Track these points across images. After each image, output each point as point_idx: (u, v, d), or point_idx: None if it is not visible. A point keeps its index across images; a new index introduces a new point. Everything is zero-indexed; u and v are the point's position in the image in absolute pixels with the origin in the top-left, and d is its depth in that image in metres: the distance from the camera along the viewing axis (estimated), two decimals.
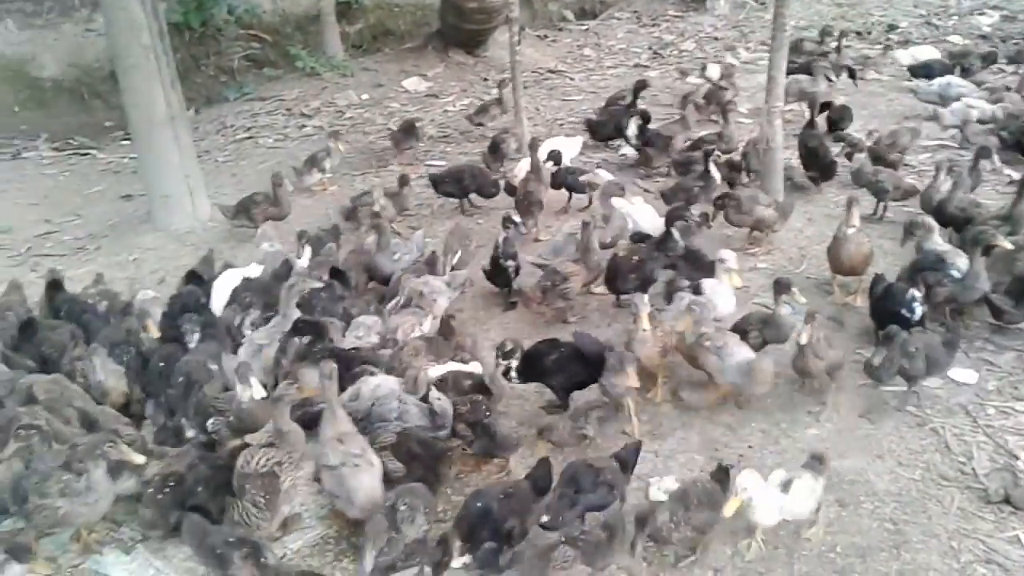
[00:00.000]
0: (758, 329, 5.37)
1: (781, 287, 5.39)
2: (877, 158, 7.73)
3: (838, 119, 8.97)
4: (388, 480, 4.41)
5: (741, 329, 5.37)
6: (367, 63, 13.50)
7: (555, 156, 7.90)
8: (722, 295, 5.65)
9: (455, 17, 12.93)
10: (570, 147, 8.75)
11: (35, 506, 4.15)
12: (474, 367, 5.28)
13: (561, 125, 10.61)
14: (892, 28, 13.69)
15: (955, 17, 14.16)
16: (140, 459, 4.30)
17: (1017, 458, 4.61)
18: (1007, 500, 4.34)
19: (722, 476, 4.22)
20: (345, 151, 9.42)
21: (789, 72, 8.05)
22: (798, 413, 5.10)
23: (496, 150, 9.05)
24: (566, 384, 5.16)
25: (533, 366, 5.17)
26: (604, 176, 7.98)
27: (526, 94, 11.18)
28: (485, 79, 12.63)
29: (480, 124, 10.16)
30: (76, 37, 13.68)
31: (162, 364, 5.15)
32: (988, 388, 5.19)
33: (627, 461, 4.41)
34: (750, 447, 4.88)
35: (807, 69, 10.05)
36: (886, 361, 4.88)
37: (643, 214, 7.11)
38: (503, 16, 10.98)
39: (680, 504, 4.04)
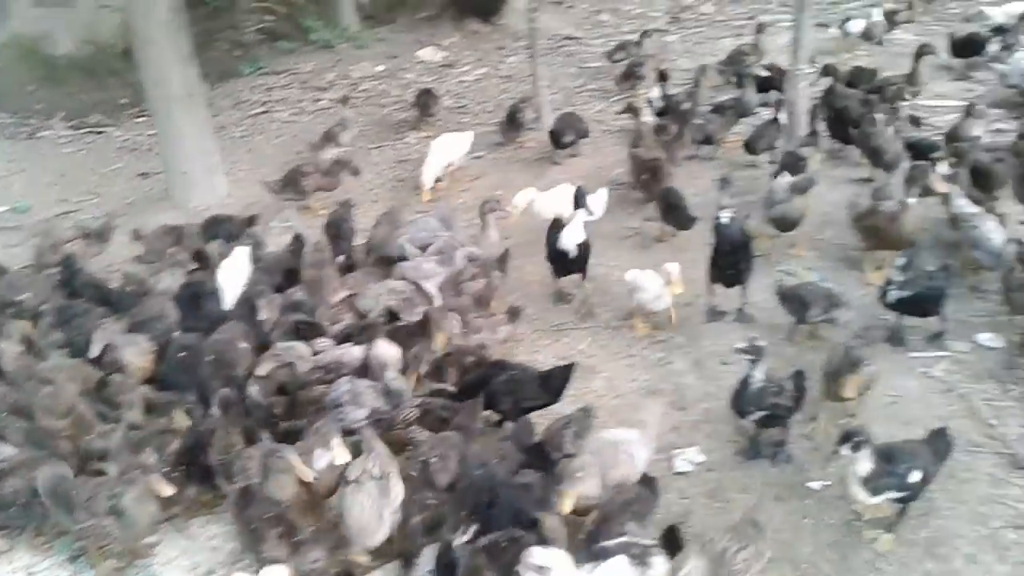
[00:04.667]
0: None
1: None
2: None
3: (855, 80, 8.78)
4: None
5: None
6: (381, 33, 13.41)
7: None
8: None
9: None
10: (459, 145, 8.27)
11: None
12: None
13: (579, 92, 10.48)
14: None
15: None
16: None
17: None
18: None
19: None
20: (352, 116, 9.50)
21: None
22: None
23: (513, 120, 8.98)
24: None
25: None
26: None
27: (543, 62, 11.05)
28: (500, 48, 12.49)
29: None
30: (90, 13, 13.61)
31: (183, 353, 5.15)
32: (1017, 354, 5.09)
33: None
34: None
35: None
36: None
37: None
38: None
39: None
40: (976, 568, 3.84)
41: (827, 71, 8.22)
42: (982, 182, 6.21)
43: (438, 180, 8.10)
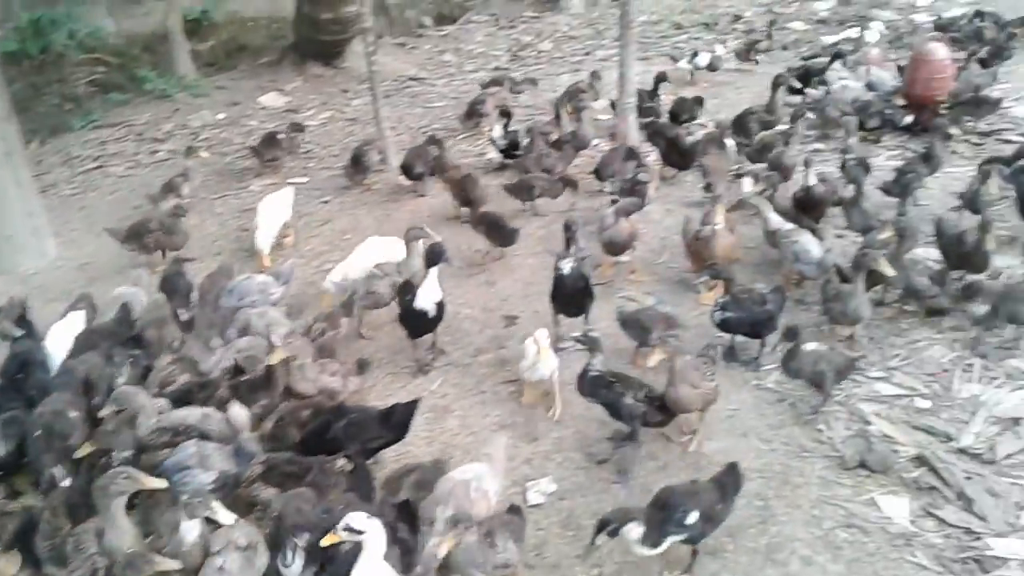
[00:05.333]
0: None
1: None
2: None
3: (679, 110, 9.25)
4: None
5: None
6: (221, 81, 13.12)
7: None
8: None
9: (310, 29, 12.73)
10: (282, 202, 7.81)
11: None
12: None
13: (425, 132, 10.53)
14: (737, 19, 14.25)
15: (795, 4, 14.86)
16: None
17: (869, 423, 4.85)
18: (862, 464, 4.56)
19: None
20: (207, 157, 9.36)
21: None
22: None
23: (358, 163, 8.93)
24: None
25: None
26: None
27: (388, 103, 11.08)
28: (345, 91, 12.45)
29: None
30: None
31: None
32: None
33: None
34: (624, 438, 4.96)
35: None
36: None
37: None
38: (359, 26, 10.82)
39: None
40: (812, 570, 4.03)
41: (648, 110, 8.72)
42: (805, 206, 6.63)
43: (281, 238, 7.80)
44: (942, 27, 11.22)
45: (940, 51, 8.63)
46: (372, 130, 9.71)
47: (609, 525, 3.79)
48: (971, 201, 6.41)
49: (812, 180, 6.58)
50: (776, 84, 8.71)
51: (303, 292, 6.86)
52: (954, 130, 7.60)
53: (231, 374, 5.32)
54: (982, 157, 7.42)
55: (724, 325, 5.43)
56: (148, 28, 14.13)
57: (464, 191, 7.70)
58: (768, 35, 11.86)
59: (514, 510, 4.17)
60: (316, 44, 12.89)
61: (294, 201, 7.94)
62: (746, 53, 11.44)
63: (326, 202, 8.77)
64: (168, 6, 12.87)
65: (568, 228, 5.76)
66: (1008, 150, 7.56)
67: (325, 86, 12.67)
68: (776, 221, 6.24)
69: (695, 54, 11.21)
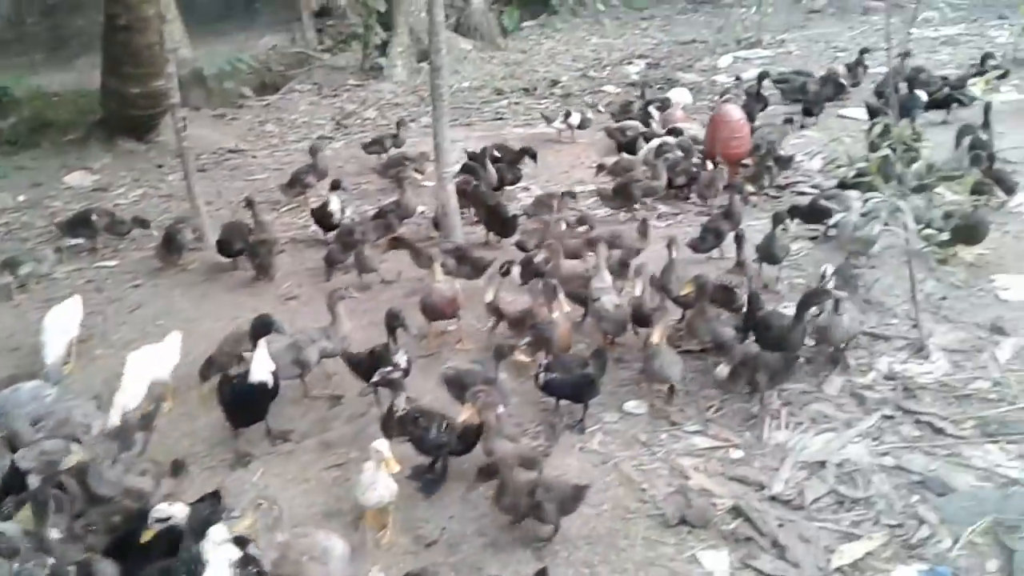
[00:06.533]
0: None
1: (502, 352, 5.42)
2: None
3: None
4: None
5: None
6: (22, 160, 12.27)
7: None
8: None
9: (118, 104, 12.16)
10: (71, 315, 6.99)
11: None
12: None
13: (245, 208, 10.23)
14: (555, 83, 14.79)
15: (608, 68, 15.61)
16: None
17: (688, 478, 4.97)
18: (683, 521, 4.64)
19: None
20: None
21: None
22: None
23: (172, 242, 8.52)
24: None
25: None
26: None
27: (206, 177, 10.83)
28: (160, 166, 11.95)
29: None
30: None
31: None
32: (656, 417, 5.57)
33: None
34: (451, 517, 4.87)
35: None
36: None
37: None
38: (169, 101, 10.43)
39: None
40: None
41: (469, 168, 8.89)
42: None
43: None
44: (778, 81, 12.05)
45: (736, 112, 9.24)
46: (188, 206, 9.33)
47: None
48: (766, 250, 6.82)
49: (639, 289, 6.23)
50: (660, 151, 9.16)
51: (111, 387, 6.38)
52: (749, 187, 8.10)
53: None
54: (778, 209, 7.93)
55: (548, 387, 5.47)
56: None
57: (257, 256, 7.97)
58: (641, 95, 12.31)
59: None
60: (126, 119, 12.31)
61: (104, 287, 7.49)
62: (621, 114, 11.83)
63: (137, 286, 8.31)
64: None
65: (393, 322, 5.68)
66: (804, 201, 8.16)
67: (137, 162, 12.11)
68: (600, 278, 6.34)
69: (568, 114, 11.56)
